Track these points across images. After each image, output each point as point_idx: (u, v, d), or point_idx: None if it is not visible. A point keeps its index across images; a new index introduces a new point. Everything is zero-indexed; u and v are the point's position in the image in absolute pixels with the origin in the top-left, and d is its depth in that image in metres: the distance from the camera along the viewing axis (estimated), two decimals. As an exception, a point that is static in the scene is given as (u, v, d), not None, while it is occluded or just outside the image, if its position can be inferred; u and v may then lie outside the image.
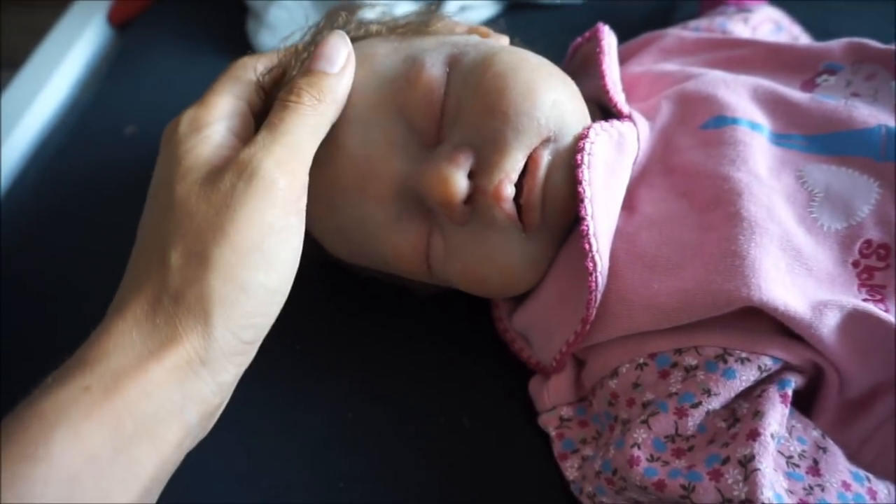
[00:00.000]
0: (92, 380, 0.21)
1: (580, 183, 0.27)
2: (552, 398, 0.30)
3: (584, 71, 0.35)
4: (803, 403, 0.28)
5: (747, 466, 0.23)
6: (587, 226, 0.26)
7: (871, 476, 0.25)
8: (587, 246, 0.26)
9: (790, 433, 0.26)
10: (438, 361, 0.34)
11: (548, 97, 0.28)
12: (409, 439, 0.31)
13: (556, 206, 0.28)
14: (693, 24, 0.42)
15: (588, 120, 0.30)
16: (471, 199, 0.27)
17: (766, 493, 0.22)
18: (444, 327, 0.35)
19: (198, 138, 0.26)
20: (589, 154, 0.27)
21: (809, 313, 0.25)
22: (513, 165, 0.27)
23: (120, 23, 0.59)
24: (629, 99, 0.34)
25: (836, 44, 0.32)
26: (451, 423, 0.32)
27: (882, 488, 0.25)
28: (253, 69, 0.30)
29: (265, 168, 0.24)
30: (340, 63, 0.27)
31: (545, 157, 0.28)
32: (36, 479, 0.19)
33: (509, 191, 0.27)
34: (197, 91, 0.30)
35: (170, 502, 0.27)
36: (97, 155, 0.45)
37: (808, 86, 0.32)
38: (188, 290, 0.22)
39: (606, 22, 0.35)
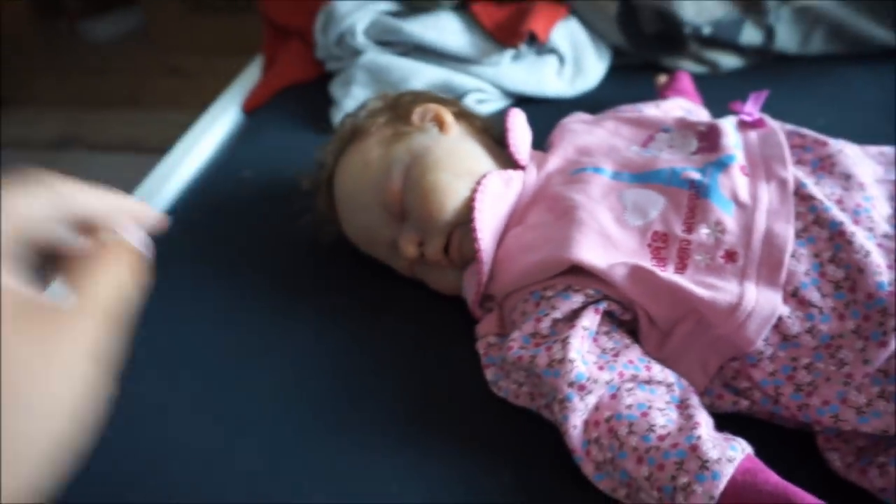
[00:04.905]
0: None
1: (473, 211, 0.47)
2: (482, 330, 0.48)
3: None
4: (636, 335, 0.44)
5: (565, 342, 0.40)
6: (477, 234, 0.46)
7: (653, 361, 0.40)
8: (477, 245, 0.46)
9: (609, 337, 0.42)
10: (419, 318, 0.52)
11: (451, 205, 0.48)
12: (388, 368, 0.48)
13: (467, 253, 0.48)
14: (622, 107, 0.61)
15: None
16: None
17: (572, 354, 0.39)
18: (428, 294, 0.54)
19: None
20: (482, 193, 0.47)
21: (605, 267, 0.41)
22: (437, 246, 0.49)
23: (250, 111, 0.87)
24: (549, 148, 0.53)
25: (672, 117, 0.52)
26: (419, 348, 0.50)
27: (658, 367, 0.40)
28: None
29: None
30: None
31: (457, 237, 0.49)
32: None
33: (437, 257, 0.49)
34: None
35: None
36: (227, 186, 0.69)
37: (649, 139, 0.50)
38: None
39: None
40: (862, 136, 0.51)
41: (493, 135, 0.57)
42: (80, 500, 0.41)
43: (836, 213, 0.42)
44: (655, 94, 0.69)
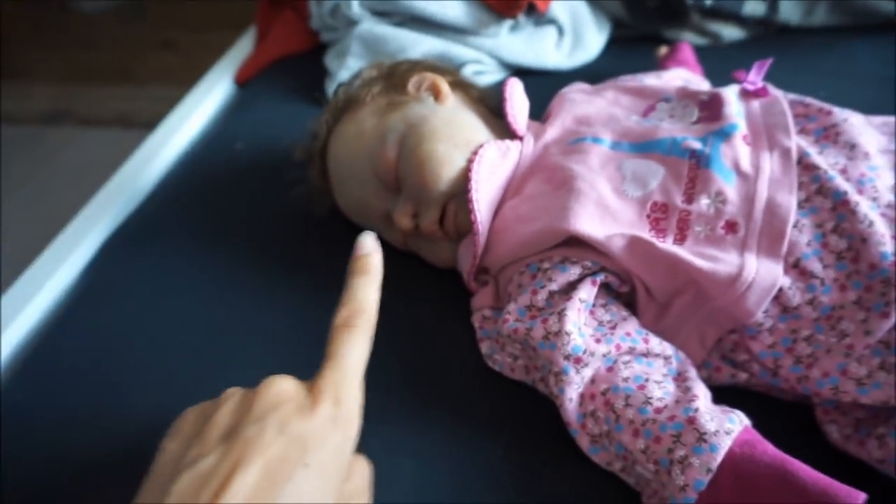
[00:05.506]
0: None
1: (469, 181, 0.45)
2: (477, 303, 0.47)
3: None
4: (633, 307, 0.43)
5: (561, 314, 0.39)
6: (473, 205, 0.45)
7: (651, 333, 0.40)
8: (473, 216, 0.45)
9: (606, 310, 0.41)
10: (413, 292, 0.51)
11: (447, 175, 0.47)
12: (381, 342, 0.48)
13: (463, 225, 0.47)
14: (623, 77, 0.60)
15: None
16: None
17: (569, 326, 0.38)
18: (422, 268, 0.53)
19: None
20: (478, 163, 0.46)
21: (603, 238, 0.40)
22: (432, 218, 0.47)
23: (243, 82, 0.85)
24: (547, 118, 0.52)
25: (673, 86, 0.50)
26: (413, 321, 0.49)
27: (656, 340, 0.39)
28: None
29: None
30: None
31: (452, 208, 0.47)
32: None
33: (432, 229, 0.47)
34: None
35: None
36: (220, 158, 0.68)
37: (650, 109, 0.49)
38: None
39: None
40: (864, 109, 0.49)
41: (489, 105, 0.56)
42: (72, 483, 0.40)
43: (840, 183, 0.41)
44: (656, 66, 0.67)
